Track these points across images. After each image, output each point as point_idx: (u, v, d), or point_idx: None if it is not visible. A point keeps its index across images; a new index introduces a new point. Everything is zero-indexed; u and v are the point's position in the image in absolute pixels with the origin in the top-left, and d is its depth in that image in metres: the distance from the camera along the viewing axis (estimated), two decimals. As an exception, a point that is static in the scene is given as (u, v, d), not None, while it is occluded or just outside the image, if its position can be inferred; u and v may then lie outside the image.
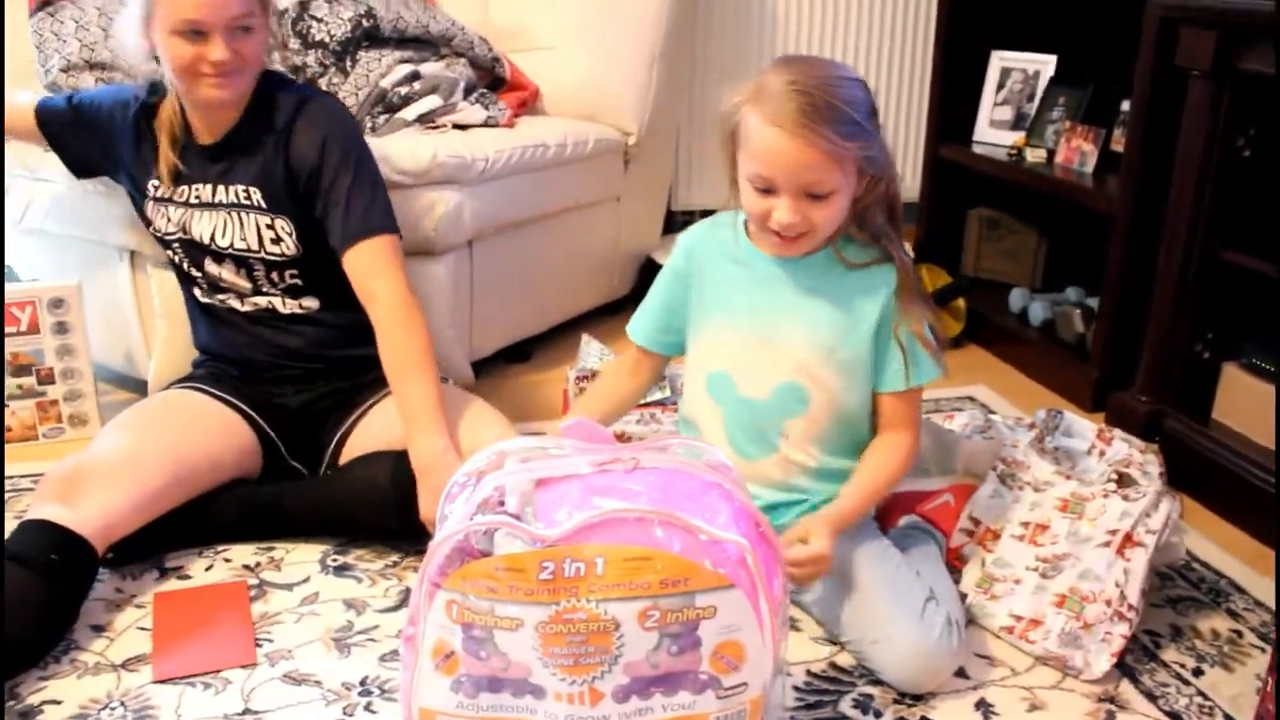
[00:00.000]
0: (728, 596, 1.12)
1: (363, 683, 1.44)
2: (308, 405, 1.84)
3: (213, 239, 1.76)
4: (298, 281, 1.79)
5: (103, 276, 2.18)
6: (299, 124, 1.73)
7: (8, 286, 2.11)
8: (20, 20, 2.25)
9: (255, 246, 1.76)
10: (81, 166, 1.92)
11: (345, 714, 1.38)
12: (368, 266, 1.72)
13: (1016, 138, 2.78)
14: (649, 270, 2.93)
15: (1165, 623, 1.61)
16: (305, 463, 1.86)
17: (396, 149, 2.04)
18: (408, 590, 1.64)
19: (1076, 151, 2.57)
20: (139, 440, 1.68)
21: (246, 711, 1.38)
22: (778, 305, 1.51)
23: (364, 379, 1.82)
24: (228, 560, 1.72)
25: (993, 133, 2.89)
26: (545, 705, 1.13)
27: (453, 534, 1.12)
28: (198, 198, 1.76)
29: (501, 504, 1.15)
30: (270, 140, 1.73)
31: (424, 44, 2.42)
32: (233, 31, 1.63)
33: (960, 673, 1.48)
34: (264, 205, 1.74)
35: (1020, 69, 2.87)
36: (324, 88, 2.24)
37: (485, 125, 2.38)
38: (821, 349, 1.50)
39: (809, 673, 1.48)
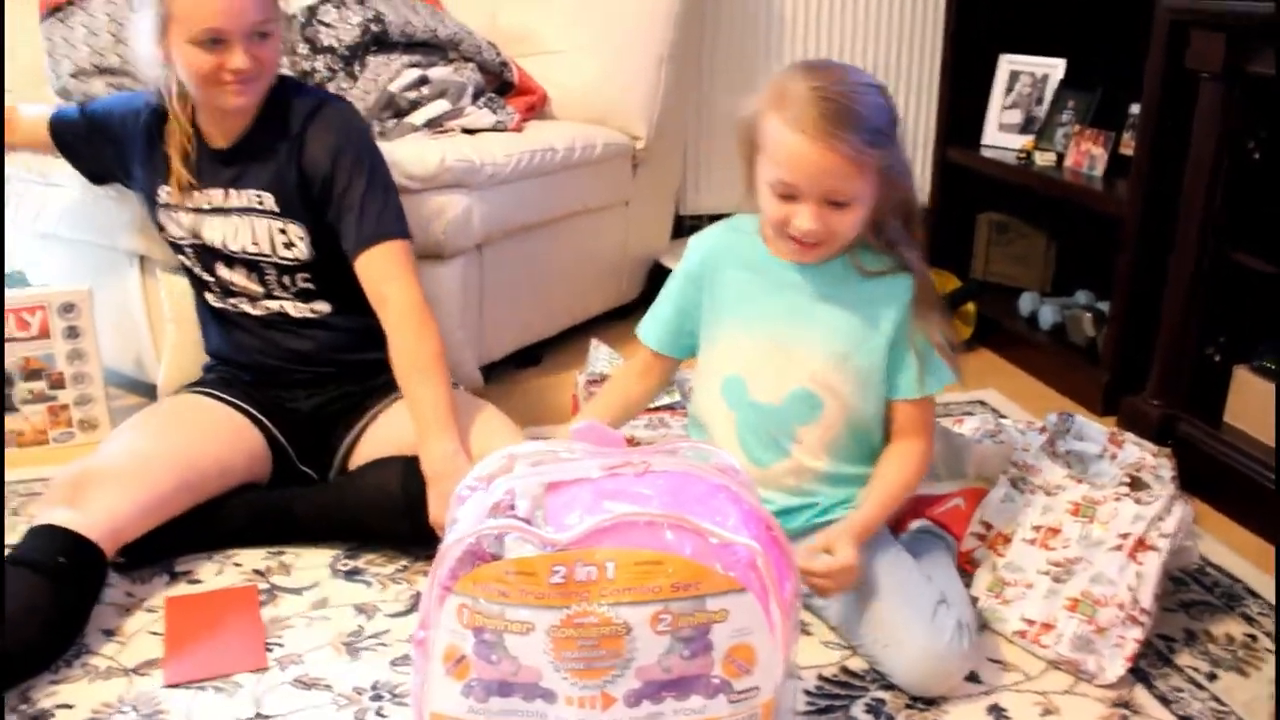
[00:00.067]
0: (739, 600, 1.12)
1: (373, 687, 1.44)
2: (319, 409, 1.84)
3: (224, 243, 1.77)
4: (309, 285, 1.80)
5: (113, 281, 2.19)
6: (312, 129, 1.73)
7: (20, 292, 2.12)
8: (30, 26, 2.26)
9: (268, 251, 1.76)
10: (97, 175, 1.93)
11: (356, 718, 1.38)
12: (380, 271, 1.72)
13: (1025, 141, 2.78)
14: (658, 274, 2.93)
15: (1179, 627, 1.60)
16: (315, 467, 1.86)
17: (405, 154, 2.04)
18: (418, 594, 1.64)
19: (1086, 155, 2.56)
20: (146, 444, 1.68)
21: (258, 716, 1.38)
22: (792, 312, 1.51)
23: (375, 383, 1.83)
24: (238, 565, 1.72)
25: (1001, 136, 2.89)
26: (556, 710, 1.13)
27: (463, 537, 1.12)
28: (209, 203, 1.76)
29: (512, 508, 1.15)
30: (284, 145, 1.73)
31: (432, 48, 2.42)
32: (251, 38, 1.63)
33: (972, 677, 1.47)
34: (277, 210, 1.74)
35: (1029, 72, 2.87)
36: (332, 92, 2.25)
37: (494, 129, 2.38)
38: (836, 357, 1.50)
39: (820, 677, 1.47)
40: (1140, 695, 1.45)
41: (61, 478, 1.59)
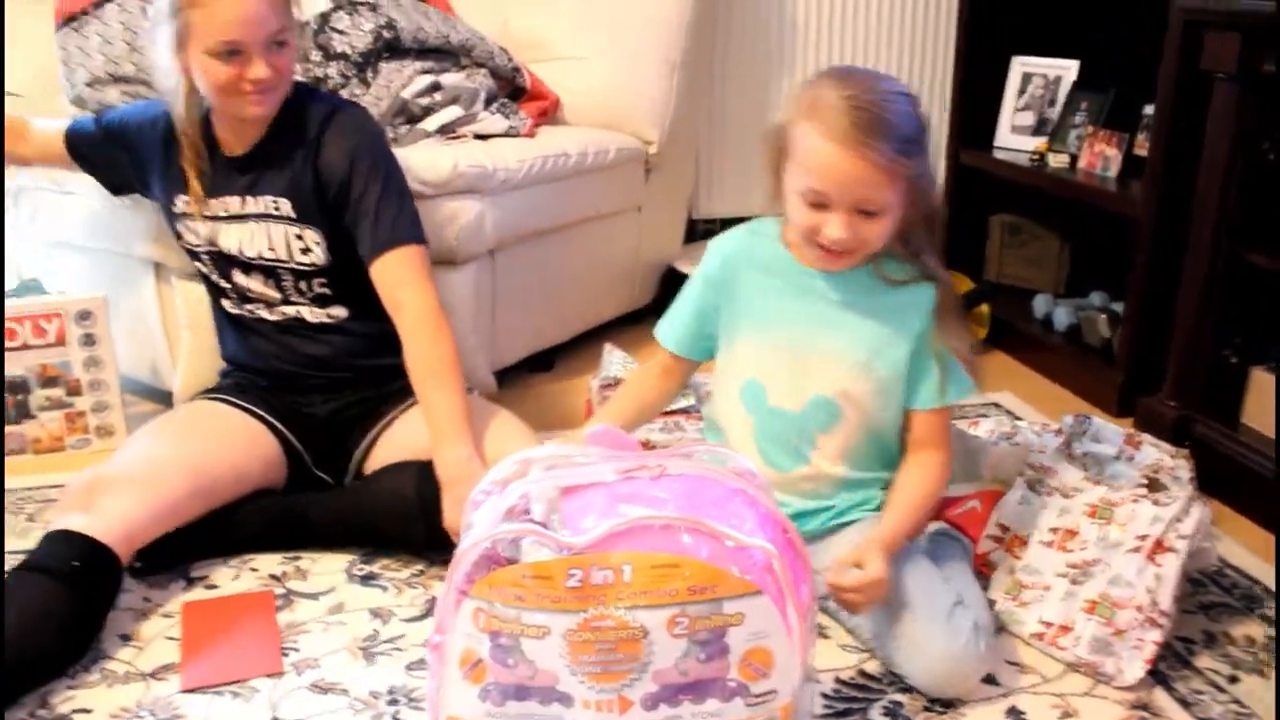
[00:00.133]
0: (755, 603, 1.11)
1: (389, 691, 1.44)
2: (335, 415, 1.85)
3: (241, 250, 1.77)
4: (326, 291, 1.80)
5: (129, 289, 2.20)
6: (328, 135, 1.74)
7: (37, 299, 2.13)
8: (46, 35, 2.27)
9: (284, 256, 1.76)
10: (115, 185, 1.95)
11: (372, 723, 1.39)
12: (395, 276, 1.72)
13: (1038, 143, 2.78)
14: (671, 279, 2.93)
15: (1198, 629, 1.59)
16: (330, 472, 1.86)
17: (418, 159, 2.04)
18: (433, 599, 1.64)
19: (1100, 156, 2.55)
20: (161, 450, 1.69)
21: (274, 720, 1.39)
22: (814, 319, 1.50)
23: (391, 388, 1.83)
24: (254, 570, 1.72)
25: (1014, 138, 2.89)
26: (573, 713, 1.13)
27: (479, 541, 1.12)
28: (225, 210, 1.77)
29: (527, 512, 1.15)
30: (299, 152, 1.73)
31: (445, 55, 2.42)
32: (269, 48, 1.64)
33: (990, 679, 1.46)
34: (293, 215, 1.75)
35: (1041, 74, 2.86)
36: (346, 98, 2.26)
37: (506, 135, 2.39)
38: (857, 365, 1.49)
39: (838, 680, 1.47)
40: (1160, 698, 1.44)
41: (76, 484, 1.59)
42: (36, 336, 2.10)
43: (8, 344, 2.08)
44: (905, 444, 1.56)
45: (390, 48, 2.31)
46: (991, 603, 1.56)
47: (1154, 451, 1.66)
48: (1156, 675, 1.48)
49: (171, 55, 1.66)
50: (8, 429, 2.12)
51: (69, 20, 2.25)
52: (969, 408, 2.35)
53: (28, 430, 2.14)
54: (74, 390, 2.14)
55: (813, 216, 1.39)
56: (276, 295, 1.81)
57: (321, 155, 1.73)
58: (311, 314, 1.82)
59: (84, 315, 2.12)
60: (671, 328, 1.63)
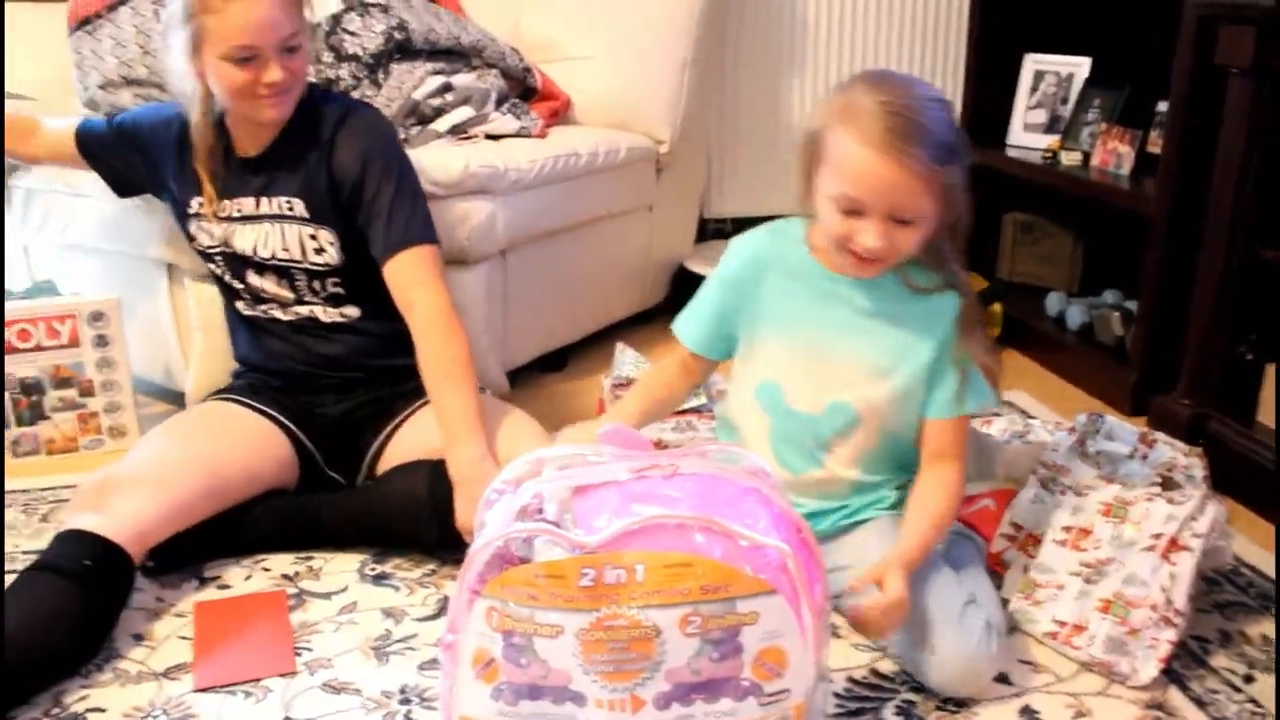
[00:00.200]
0: (769, 602, 1.11)
1: (402, 691, 1.44)
2: (347, 415, 1.85)
3: (255, 251, 1.78)
4: (339, 290, 1.81)
5: (142, 290, 2.21)
6: (342, 135, 1.74)
7: (50, 301, 2.14)
8: (59, 37, 2.28)
9: (298, 257, 1.77)
10: (124, 186, 1.95)
11: (385, 722, 1.39)
12: (408, 277, 1.72)
13: (1051, 141, 2.77)
14: (682, 279, 2.93)
15: (1213, 628, 1.58)
16: (342, 472, 1.87)
17: (429, 160, 2.04)
18: (446, 599, 1.64)
19: (1113, 154, 2.54)
20: (172, 450, 1.69)
21: (287, 720, 1.39)
22: (836, 325, 1.49)
23: (403, 388, 1.83)
24: (266, 570, 1.73)
25: (1026, 136, 2.88)
26: (586, 712, 1.13)
27: (492, 540, 1.12)
28: (239, 211, 1.78)
29: (540, 511, 1.15)
30: (313, 153, 1.74)
31: (456, 55, 2.43)
32: (283, 51, 1.64)
33: (1003, 679, 1.46)
34: (307, 216, 1.75)
35: (1054, 71, 2.85)
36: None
37: (517, 135, 2.39)
38: (877, 372, 1.48)
39: (850, 679, 1.46)
40: (1174, 697, 1.43)
41: (87, 484, 1.60)
42: (50, 338, 2.11)
43: (21, 345, 2.09)
44: (920, 452, 1.53)
45: (401, 49, 2.31)
46: (1005, 601, 1.55)
47: (1168, 450, 1.65)
48: (1171, 675, 1.47)
49: (186, 60, 1.67)
50: (21, 430, 2.13)
51: (82, 23, 2.26)
52: (982, 406, 2.35)
53: (41, 431, 2.15)
54: (87, 391, 2.15)
55: (846, 223, 1.37)
56: (290, 295, 1.81)
57: (335, 156, 1.73)
58: (325, 313, 1.82)
59: (97, 317, 2.12)
60: (691, 326, 1.61)
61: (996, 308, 2.80)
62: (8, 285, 2.27)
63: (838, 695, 1.43)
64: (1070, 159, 2.65)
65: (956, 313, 1.47)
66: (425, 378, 1.71)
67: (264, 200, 1.76)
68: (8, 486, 2.02)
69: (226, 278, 1.85)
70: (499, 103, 2.43)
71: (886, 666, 1.49)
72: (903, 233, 1.37)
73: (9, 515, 1.91)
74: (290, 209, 1.75)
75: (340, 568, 1.73)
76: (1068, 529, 1.56)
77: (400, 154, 1.79)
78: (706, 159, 3.18)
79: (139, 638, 1.55)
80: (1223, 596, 1.66)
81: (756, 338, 1.55)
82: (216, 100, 1.72)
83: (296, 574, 1.72)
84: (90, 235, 2.23)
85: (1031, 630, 1.54)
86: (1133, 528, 1.52)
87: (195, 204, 1.80)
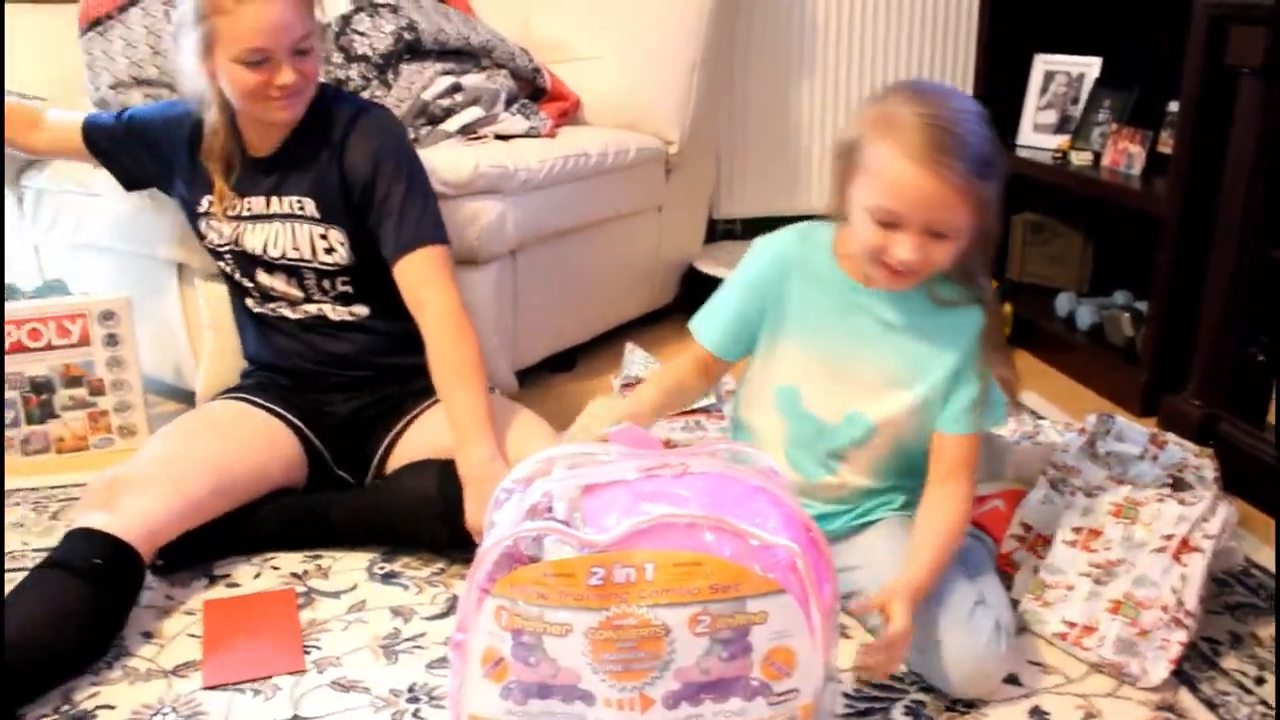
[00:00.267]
0: (779, 601, 1.11)
1: (410, 690, 1.44)
2: (356, 413, 1.85)
3: (265, 250, 1.78)
4: (348, 289, 1.81)
5: (152, 290, 2.21)
6: (353, 137, 1.74)
7: (61, 300, 2.15)
8: (70, 38, 2.29)
9: (308, 256, 1.77)
10: (132, 180, 1.95)
11: (394, 721, 1.39)
12: (419, 277, 1.73)
13: (1061, 141, 2.76)
14: (691, 279, 2.93)
15: (1224, 630, 1.57)
16: (351, 471, 1.87)
17: (439, 160, 2.05)
18: (454, 597, 1.64)
19: (1123, 154, 2.54)
20: (179, 448, 1.69)
21: (295, 718, 1.39)
22: (858, 336, 1.48)
23: (412, 387, 1.83)
24: (276, 568, 1.73)
25: (1037, 136, 2.87)
26: (595, 712, 1.13)
27: (501, 539, 1.12)
28: (249, 209, 1.78)
29: (550, 510, 1.15)
30: (324, 153, 1.74)
31: (465, 56, 2.43)
32: (294, 54, 1.64)
33: (1013, 680, 1.45)
34: (318, 216, 1.75)
35: (1064, 71, 2.85)
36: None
37: (527, 136, 2.39)
38: (896, 384, 1.47)
39: (859, 679, 1.46)
40: (1185, 699, 1.43)
41: (97, 483, 1.60)
42: (61, 337, 2.11)
43: (32, 344, 2.10)
44: (929, 465, 1.50)
45: (411, 49, 2.32)
46: (1015, 602, 1.55)
47: (1179, 451, 1.65)
48: (1181, 676, 1.46)
49: (197, 61, 1.67)
50: (31, 428, 2.14)
51: (93, 24, 2.27)
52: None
53: (51, 429, 2.16)
54: (97, 390, 2.16)
55: (881, 235, 1.35)
56: (299, 294, 1.82)
57: (346, 156, 1.74)
58: (334, 312, 1.82)
59: (107, 316, 2.13)
60: (709, 326, 1.57)
61: (1007, 308, 2.80)
62: (20, 284, 2.28)
63: (846, 695, 1.43)
64: (1081, 159, 2.64)
65: (979, 328, 1.46)
66: (436, 377, 1.71)
67: (275, 199, 1.76)
68: (19, 485, 2.03)
69: (236, 276, 1.85)
70: (508, 103, 2.44)
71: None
72: (938, 246, 1.34)
73: (19, 513, 1.92)
74: (301, 208, 1.75)
75: (349, 566, 1.74)
76: (1078, 530, 1.56)
77: (411, 154, 1.79)
78: (716, 160, 3.18)
79: (148, 635, 1.56)
80: (1233, 598, 1.66)
81: (778, 340, 1.53)
82: (228, 100, 1.72)
83: (305, 572, 1.72)
84: (101, 234, 2.24)
85: (1041, 631, 1.54)
86: (1143, 529, 1.51)
87: (205, 202, 1.80)
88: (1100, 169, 2.59)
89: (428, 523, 1.69)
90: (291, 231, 1.77)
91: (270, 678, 1.46)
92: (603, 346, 2.66)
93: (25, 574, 1.47)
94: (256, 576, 1.71)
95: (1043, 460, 1.68)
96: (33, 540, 1.82)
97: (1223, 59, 1.99)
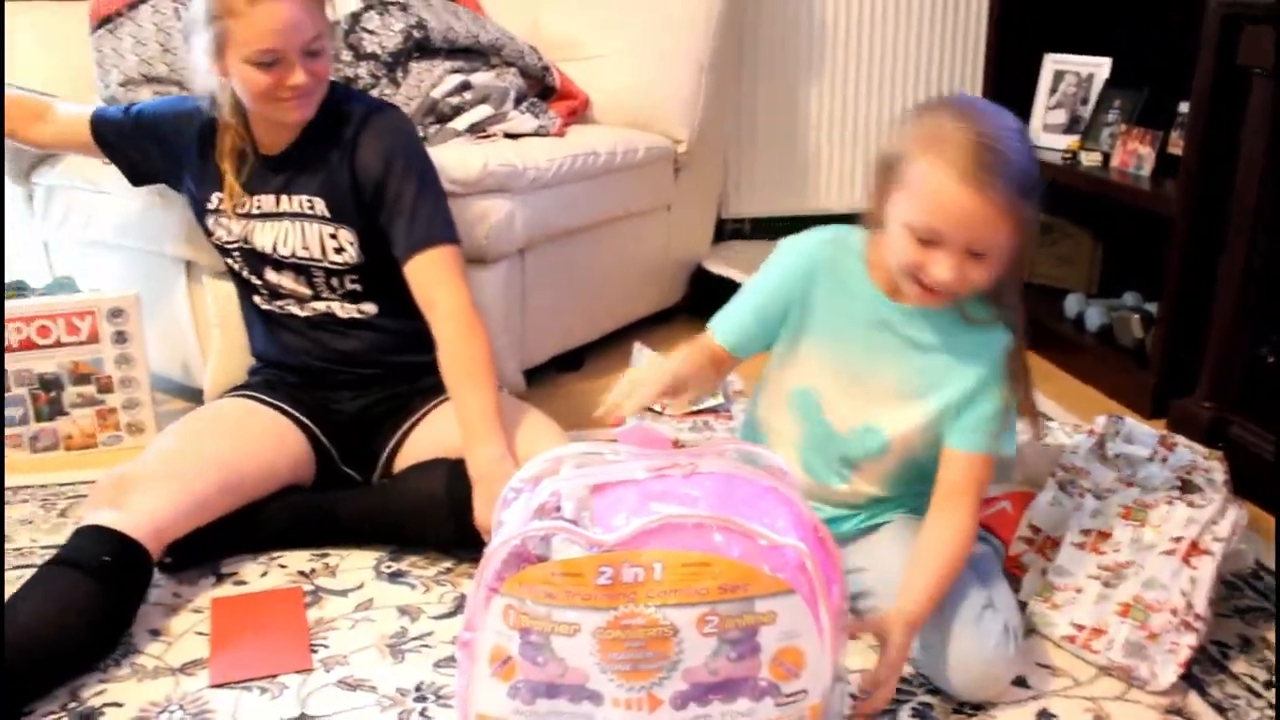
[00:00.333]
0: (787, 602, 1.11)
1: (417, 688, 1.44)
2: (364, 411, 1.85)
3: (274, 248, 1.78)
4: (357, 287, 1.81)
5: (161, 287, 2.22)
6: (364, 136, 1.74)
7: (69, 297, 2.15)
8: (81, 35, 2.30)
9: (318, 255, 1.77)
10: (139, 175, 1.95)
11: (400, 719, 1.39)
12: (429, 276, 1.73)
13: (1071, 141, 2.75)
14: (700, 279, 2.92)
15: (1234, 633, 1.57)
16: (358, 469, 1.87)
17: (448, 159, 2.04)
18: (462, 596, 1.64)
19: (1133, 154, 2.53)
20: (188, 446, 1.70)
21: (303, 716, 1.39)
22: (881, 350, 1.46)
23: (420, 385, 1.83)
24: (283, 566, 1.73)
25: (1046, 136, 2.86)
26: (603, 711, 1.13)
27: (510, 539, 1.12)
28: (259, 207, 1.78)
29: (558, 509, 1.15)
30: (335, 152, 1.74)
31: (474, 54, 2.43)
32: (306, 54, 1.64)
33: (1021, 682, 1.45)
34: (328, 215, 1.75)
35: (1074, 71, 2.84)
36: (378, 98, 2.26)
37: (536, 134, 2.39)
38: (913, 398, 1.46)
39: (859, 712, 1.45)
40: (1194, 702, 1.42)
41: (105, 480, 1.60)
42: (69, 334, 2.12)
43: (41, 341, 2.10)
44: (935, 483, 1.47)
45: (420, 47, 2.32)
46: (1023, 605, 1.54)
47: (1188, 453, 1.64)
48: (1191, 680, 1.46)
49: (209, 62, 1.67)
50: (40, 425, 2.14)
51: (104, 22, 2.27)
52: (1000, 408, 2.33)
53: (60, 426, 2.16)
54: (105, 387, 2.16)
55: (919, 252, 1.32)
56: (307, 291, 1.82)
57: (358, 155, 1.74)
58: (342, 309, 1.82)
59: (116, 313, 2.13)
60: (729, 324, 1.53)
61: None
62: (29, 281, 2.28)
63: (854, 697, 1.42)
64: (1090, 159, 2.63)
65: (1003, 348, 1.43)
66: (446, 376, 1.71)
67: (285, 198, 1.77)
68: (27, 481, 2.03)
69: (244, 273, 1.85)
70: (517, 101, 2.44)
71: (903, 669, 1.48)
72: (976, 267, 1.32)
73: (27, 510, 1.92)
74: (311, 207, 1.76)
75: (356, 565, 1.74)
76: (1086, 532, 1.55)
77: (422, 154, 1.79)
78: (724, 159, 3.17)
79: (156, 633, 1.56)
80: (1243, 601, 1.65)
81: (800, 342, 1.51)
82: (240, 100, 1.72)
83: (313, 571, 1.72)
84: (110, 232, 2.24)
85: (1049, 634, 1.54)
86: (1152, 531, 1.51)
87: (215, 199, 1.80)
88: (1110, 169, 2.58)
89: (436, 522, 1.69)
90: (301, 230, 1.77)
91: (277, 676, 1.46)
92: (611, 346, 2.66)
93: (34, 571, 1.47)
94: (264, 575, 1.71)
95: (1051, 462, 1.68)
96: (41, 537, 1.82)
97: (1234, 59, 1.98)
